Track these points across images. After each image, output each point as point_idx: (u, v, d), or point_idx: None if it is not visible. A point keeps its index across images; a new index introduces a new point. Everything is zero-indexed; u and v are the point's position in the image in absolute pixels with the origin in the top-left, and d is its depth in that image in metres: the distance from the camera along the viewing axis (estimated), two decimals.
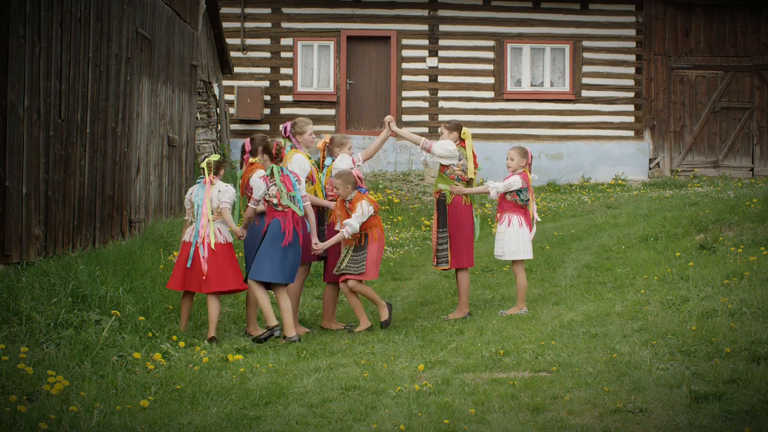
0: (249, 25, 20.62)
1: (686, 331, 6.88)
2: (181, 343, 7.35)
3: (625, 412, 5.40)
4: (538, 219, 9.09)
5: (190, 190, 8.39)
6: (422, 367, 6.69)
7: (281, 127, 8.82)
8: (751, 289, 7.84)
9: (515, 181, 8.91)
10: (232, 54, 19.54)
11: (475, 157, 9.06)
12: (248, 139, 8.62)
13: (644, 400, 5.54)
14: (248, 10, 20.60)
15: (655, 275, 9.40)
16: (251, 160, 8.54)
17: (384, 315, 8.47)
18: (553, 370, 6.37)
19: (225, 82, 19.51)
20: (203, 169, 8.25)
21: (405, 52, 20.83)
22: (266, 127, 20.28)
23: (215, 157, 8.38)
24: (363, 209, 8.35)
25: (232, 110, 20.02)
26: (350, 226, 8.30)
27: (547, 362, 6.57)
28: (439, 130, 9.27)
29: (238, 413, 5.66)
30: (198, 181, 8.40)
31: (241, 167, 8.62)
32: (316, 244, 8.25)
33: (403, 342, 7.76)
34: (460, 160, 8.93)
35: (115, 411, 5.44)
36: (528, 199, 8.95)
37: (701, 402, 5.44)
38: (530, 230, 8.98)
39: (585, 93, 21.13)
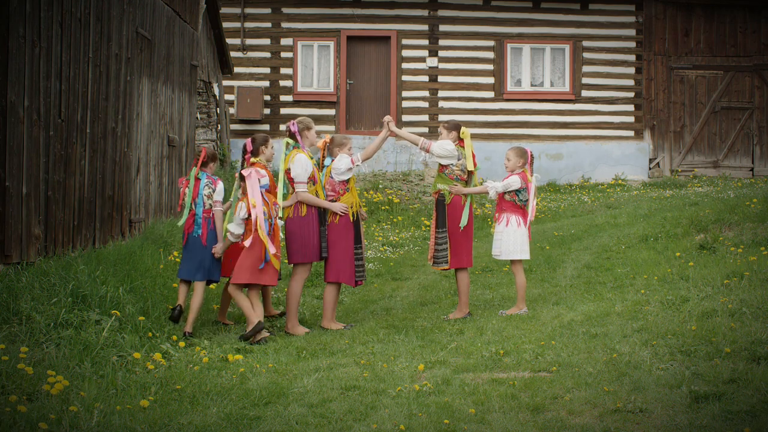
0: (249, 25, 20.62)
1: (686, 331, 6.88)
2: (181, 343, 7.35)
3: (625, 412, 5.40)
4: (531, 219, 9.05)
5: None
6: (422, 367, 6.68)
7: (288, 124, 8.75)
8: (751, 289, 7.84)
9: (514, 181, 8.91)
10: (232, 54, 19.55)
11: (474, 156, 9.06)
12: (249, 139, 8.63)
13: (644, 400, 5.54)
14: (248, 10, 20.60)
15: (655, 275, 9.40)
16: (252, 159, 8.54)
17: (249, 327, 8.12)
18: (553, 370, 6.37)
19: (225, 82, 19.51)
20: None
21: (405, 52, 20.83)
22: (266, 127, 20.29)
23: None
24: (238, 211, 8.22)
25: (232, 110, 20.02)
26: (231, 230, 8.27)
27: (547, 362, 6.57)
28: (438, 130, 9.26)
29: (238, 413, 5.66)
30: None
31: (243, 167, 8.62)
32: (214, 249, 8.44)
33: (403, 342, 7.76)
34: (459, 159, 8.93)
35: (115, 411, 5.44)
36: (527, 200, 8.95)
37: (701, 402, 5.44)
38: (527, 229, 8.98)
39: (585, 93, 21.13)
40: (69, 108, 8.83)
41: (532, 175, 9.05)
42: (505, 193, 8.95)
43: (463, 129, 9.02)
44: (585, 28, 21.09)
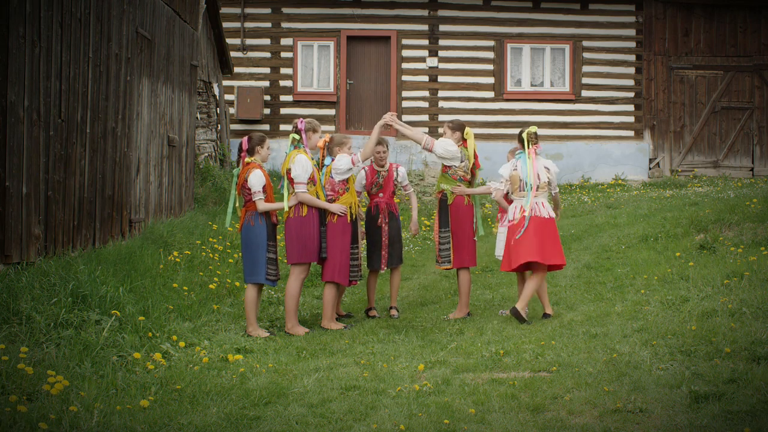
0: (249, 25, 20.62)
1: (686, 331, 6.88)
2: (181, 343, 7.35)
3: (625, 412, 5.40)
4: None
5: (513, 164, 8.67)
6: (422, 367, 6.69)
7: (295, 121, 8.70)
8: (751, 289, 7.84)
9: None
10: (232, 54, 19.54)
11: (476, 157, 9.06)
12: (245, 138, 8.58)
13: (644, 400, 5.54)
14: (248, 10, 20.59)
15: (655, 275, 9.40)
16: (248, 159, 8.51)
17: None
18: (553, 370, 6.38)
19: (225, 82, 19.50)
20: (523, 140, 8.56)
21: (405, 52, 20.82)
22: (266, 127, 20.28)
23: (534, 129, 8.62)
24: None
25: (232, 110, 20.01)
26: None
27: (547, 362, 6.58)
28: (442, 129, 9.25)
29: (238, 413, 5.66)
30: (519, 155, 8.67)
31: (239, 166, 8.60)
32: None
33: (403, 342, 7.76)
34: (462, 161, 8.93)
35: (115, 411, 5.44)
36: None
37: (701, 402, 5.44)
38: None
39: (585, 93, 21.12)
40: (69, 108, 8.83)
41: None
42: (507, 193, 8.96)
43: (467, 129, 9.03)
44: (585, 28, 21.08)
